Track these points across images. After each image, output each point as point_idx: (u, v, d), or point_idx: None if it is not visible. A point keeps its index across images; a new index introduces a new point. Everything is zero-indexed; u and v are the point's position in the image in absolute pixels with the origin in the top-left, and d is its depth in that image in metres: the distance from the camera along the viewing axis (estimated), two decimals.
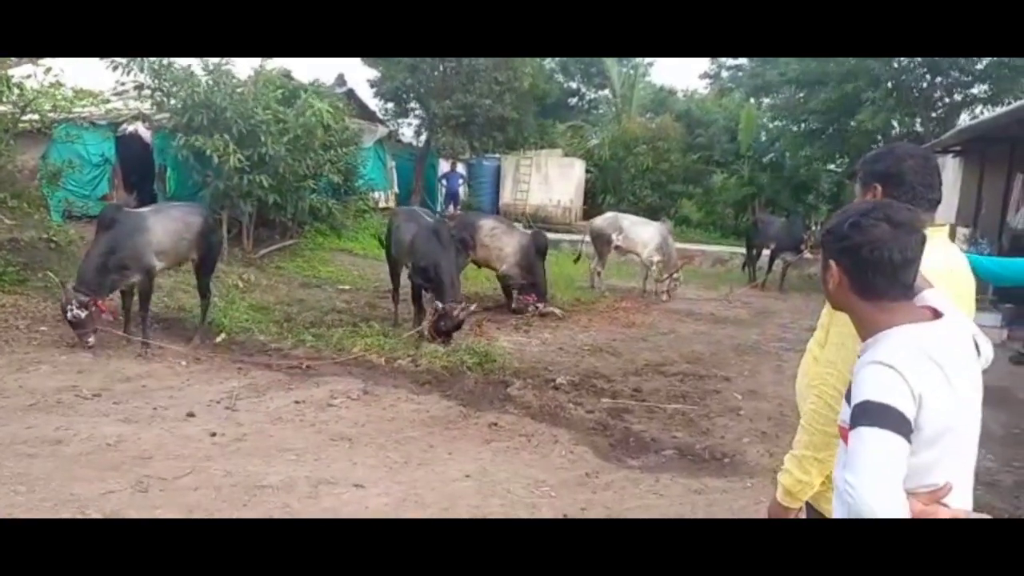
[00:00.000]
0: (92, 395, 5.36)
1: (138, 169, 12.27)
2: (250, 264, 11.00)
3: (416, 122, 23.30)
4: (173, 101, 10.97)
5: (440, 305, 7.31)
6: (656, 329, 9.43)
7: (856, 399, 1.50)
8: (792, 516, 2.01)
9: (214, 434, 4.79)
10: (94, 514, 3.53)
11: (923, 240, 1.60)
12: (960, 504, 1.58)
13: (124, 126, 12.23)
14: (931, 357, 1.52)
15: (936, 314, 1.62)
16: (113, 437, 4.57)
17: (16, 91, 8.91)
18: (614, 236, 11.63)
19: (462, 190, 20.64)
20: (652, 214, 21.78)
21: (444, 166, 20.06)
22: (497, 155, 21.37)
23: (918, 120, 17.71)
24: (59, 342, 6.57)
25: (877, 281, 1.57)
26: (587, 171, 22.07)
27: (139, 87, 11.26)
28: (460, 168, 20.62)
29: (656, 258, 11.25)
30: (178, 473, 4.14)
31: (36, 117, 9.54)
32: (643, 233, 11.47)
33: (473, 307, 7.98)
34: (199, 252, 7.26)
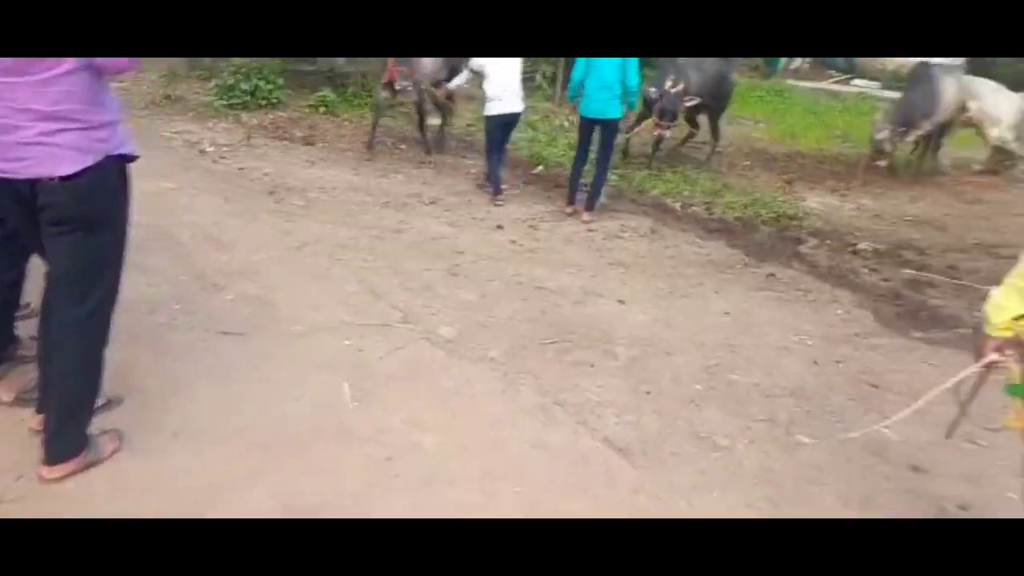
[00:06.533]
0: (429, 202, 6.48)
1: None
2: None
3: None
4: None
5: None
6: (1008, 208, 8.16)
7: None
8: (991, 347, 2.02)
9: (514, 242, 5.59)
10: (413, 284, 4.50)
11: None
12: None
13: None
14: None
15: None
16: (438, 234, 5.58)
17: None
18: (969, 104, 9.43)
19: None
20: None
21: None
22: None
23: None
24: (413, 159, 7.89)
25: None
26: None
27: None
28: None
29: (1009, 137, 9.27)
30: (481, 267, 4.99)
31: None
32: (1001, 106, 9.33)
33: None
34: None
